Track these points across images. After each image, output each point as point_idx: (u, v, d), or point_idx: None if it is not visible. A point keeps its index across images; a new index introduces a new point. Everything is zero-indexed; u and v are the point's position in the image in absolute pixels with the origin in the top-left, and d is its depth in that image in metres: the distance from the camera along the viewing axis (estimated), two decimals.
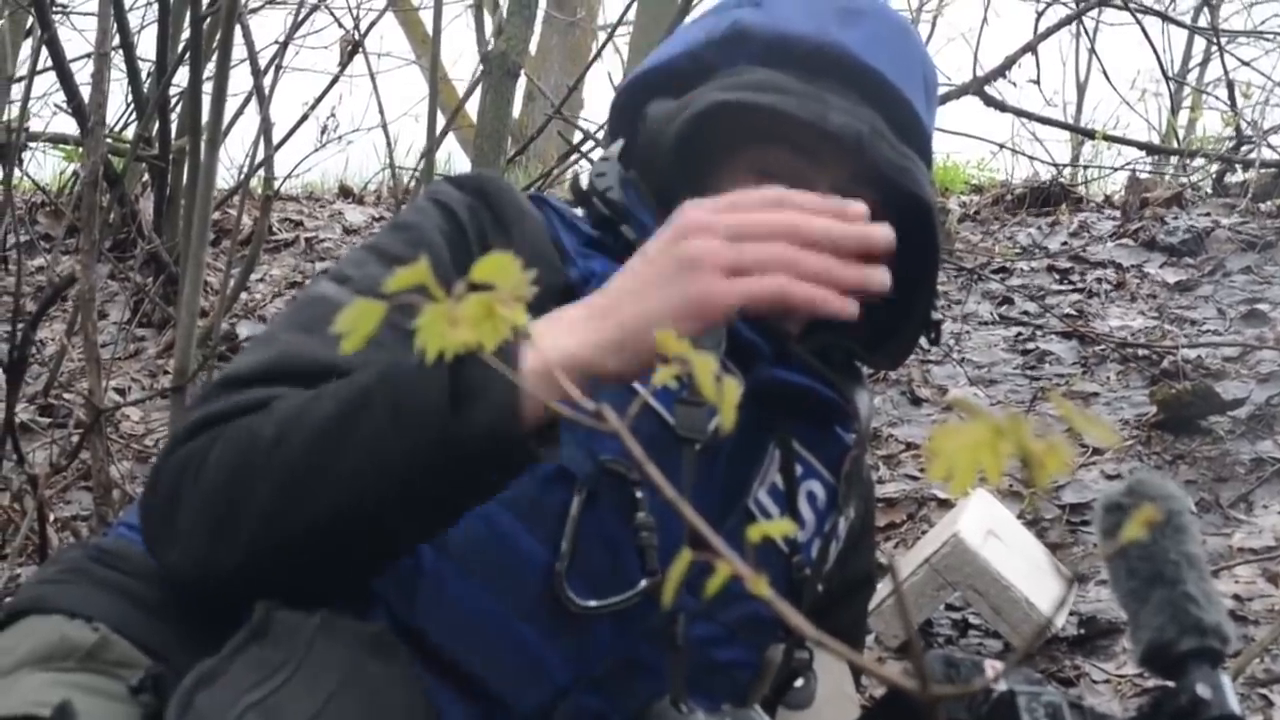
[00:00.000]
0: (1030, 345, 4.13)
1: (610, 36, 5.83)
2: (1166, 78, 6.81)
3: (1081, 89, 7.90)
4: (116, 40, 4.05)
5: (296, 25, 4.22)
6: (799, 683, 1.39)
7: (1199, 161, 5.82)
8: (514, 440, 1.09)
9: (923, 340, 1.50)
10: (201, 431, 1.20)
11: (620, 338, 1.12)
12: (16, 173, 3.93)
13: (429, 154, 3.50)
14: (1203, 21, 7.02)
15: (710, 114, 1.36)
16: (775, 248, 1.11)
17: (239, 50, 2.98)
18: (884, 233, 1.14)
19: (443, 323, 0.59)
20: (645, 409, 1.31)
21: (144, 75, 4.47)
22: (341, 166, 9.40)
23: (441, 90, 4.75)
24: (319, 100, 4.72)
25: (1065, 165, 6.03)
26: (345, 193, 6.01)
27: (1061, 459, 0.54)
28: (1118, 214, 5.15)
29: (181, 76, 4.13)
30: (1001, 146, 6.18)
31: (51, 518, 2.80)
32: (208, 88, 2.82)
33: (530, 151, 5.85)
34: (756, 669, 1.40)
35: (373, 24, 4.36)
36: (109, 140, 4.23)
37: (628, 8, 6.83)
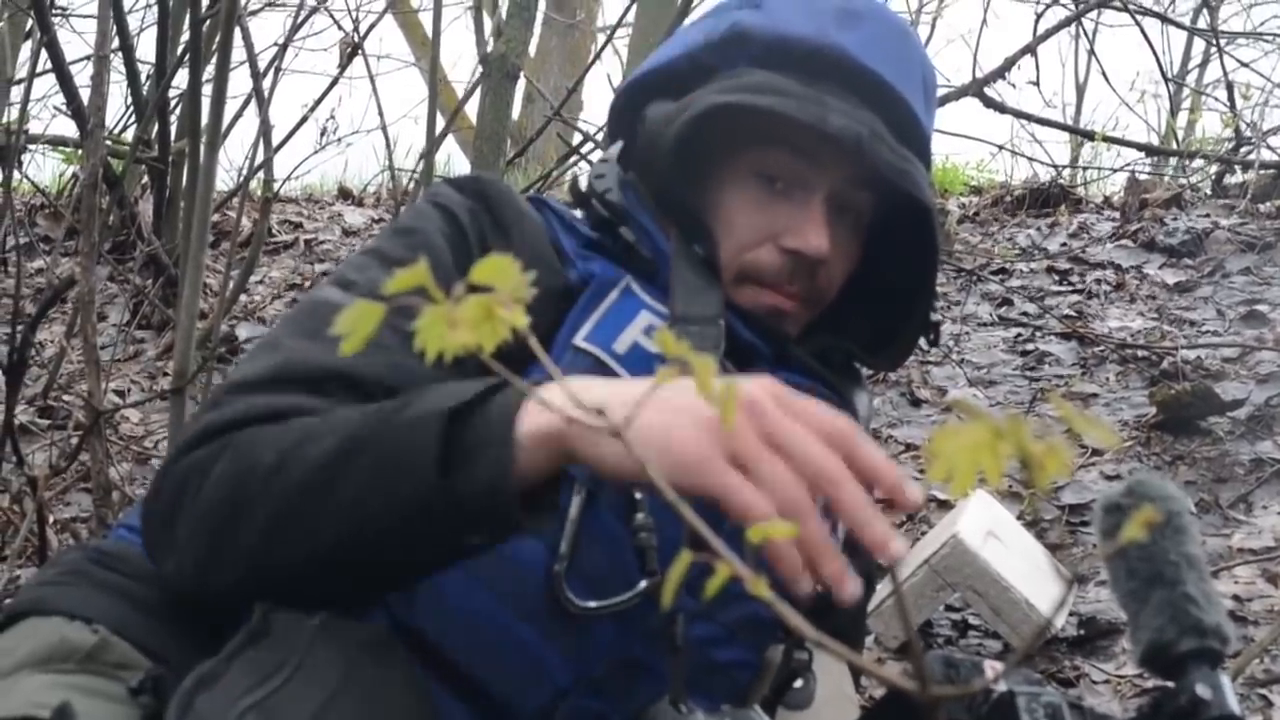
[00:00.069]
0: (1029, 346, 4.13)
1: (609, 39, 5.83)
2: (1166, 79, 6.81)
3: (1081, 90, 7.91)
4: (116, 43, 4.05)
5: (296, 27, 4.22)
6: (798, 683, 1.39)
7: (1198, 163, 5.82)
8: (500, 512, 1.06)
9: (922, 341, 1.51)
10: (207, 440, 1.20)
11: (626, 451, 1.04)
12: (16, 175, 3.93)
13: (428, 156, 3.50)
14: (1202, 23, 7.02)
15: (709, 116, 1.37)
16: (800, 492, 0.98)
17: (238, 52, 2.97)
18: (897, 548, 0.99)
19: (442, 324, 0.59)
20: None
21: (143, 77, 4.47)
22: (341, 168, 9.38)
23: (441, 92, 4.75)
24: (318, 102, 4.72)
25: (1064, 166, 6.04)
26: (344, 194, 6.01)
27: (1061, 460, 0.55)
28: (1117, 215, 5.15)
29: (181, 79, 4.13)
30: (1001, 148, 6.18)
31: (51, 519, 2.80)
32: (207, 90, 2.82)
33: (529, 153, 5.85)
34: (756, 669, 1.40)
35: (372, 26, 4.35)
36: (108, 142, 4.23)
37: (627, 10, 6.84)
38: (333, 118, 6.07)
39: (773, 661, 1.40)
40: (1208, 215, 4.96)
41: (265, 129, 3.20)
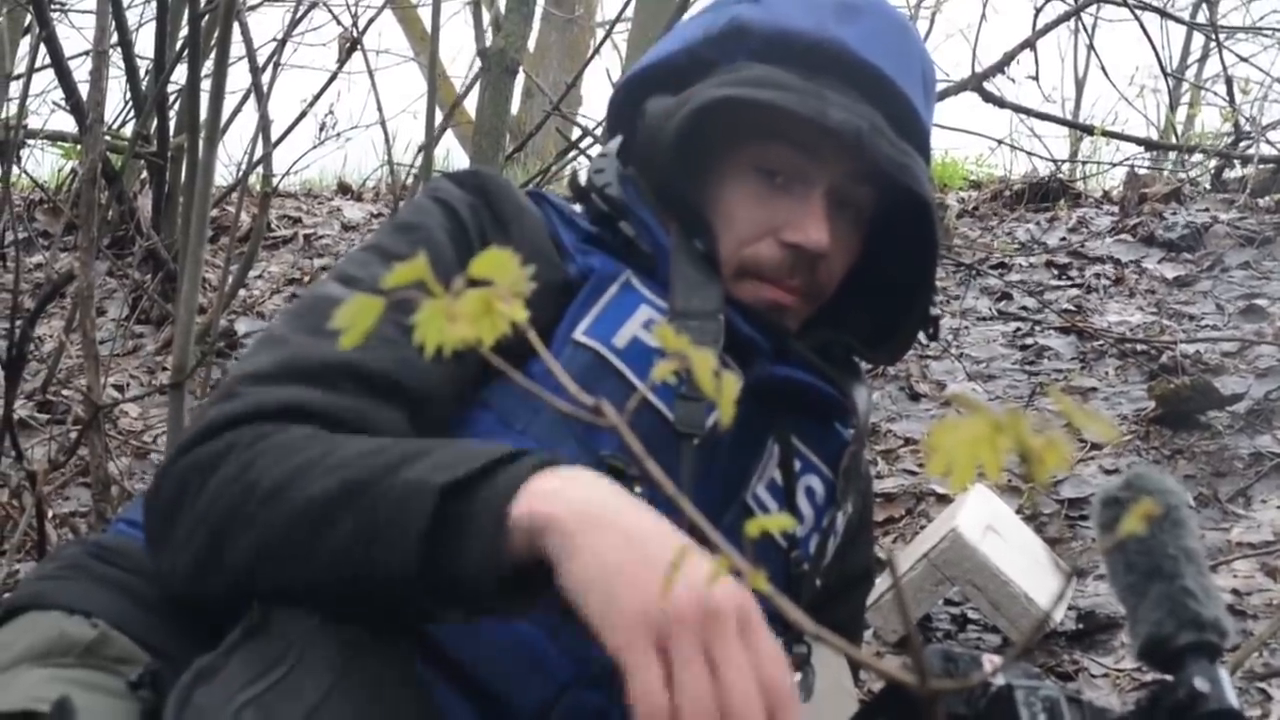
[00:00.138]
0: (1029, 340, 4.13)
1: (608, 33, 5.82)
2: (1165, 74, 6.80)
3: (1080, 85, 7.92)
4: (115, 38, 4.05)
5: (295, 22, 4.23)
6: (797, 677, 1.39)
7: (1197, 157, 5.82)
8: (479, 598, 1.06)
9: (921, 336, 1.51)
10: (212, 436, 1.20)
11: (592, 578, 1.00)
12: (15, 170, 3.93)
13: (427, 151, 3.50)
14: (1201, 17, 7.03)
15: (710, 110, 1.37)
16: (706, 714, 0.93)
17: (237, 47, 2.98)
18: None
19: (441, 318, 0.59)
20: (644, 404, 1.31)
21: (142, 73, 4.46)
22: (340, 163, 9.40)
23: (440, 87, 4.75)
24: (317, 97, 4.73)
25: (1064, 161, 6.04)
26: (344, 189, 6.01)
27: (1060, 454, 0.55)
28: (1116, 209, 5.15)
29: (180, 74, 4.12)
30: (1000, 142, 6.19)
31: (50, 514, 2.80)
32: (206, 85, 2.82)
33: (529, 148, 5.84)
34: None
35: (371, 21, 4.36)
36: (107, 137, 4.23)
37: (626, 5, 6.84)
38: (332, 113, 6.08)
39: None
40: (1207, 210, 4.95)
41: (264, 124, 3.20)
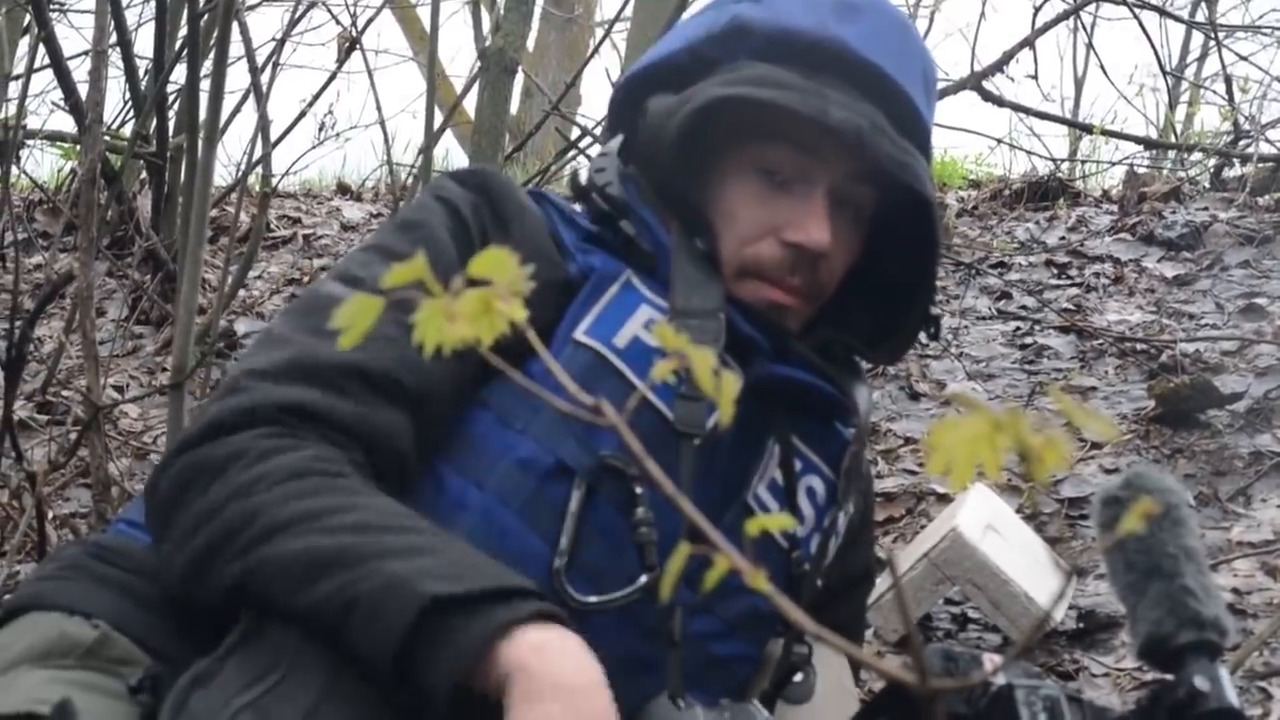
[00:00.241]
0: (1028, 340, 4.13)
1: (608, 33, 5.81)
2: (1164, 72, 6.80)
3: (1079, 84, 7.91)
4: (114, 38, 4.05)
5: (294, 22, 4.23)
6: (798, 677, 1.39)
7: (1197, 156, 5.82)
8: (433, 698, 1.07)
9: (921, 335, 1.51)
10: (218, 435, 1.21)
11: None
12: (14, 170, 3.93)
13: (427, 151, 3.50)
14: (1200, 16, 7.03)
15: (711, 109, 1.37)
16: None
17: (236, 47, 2.97)
18: None
19: (440, 318, 0.59)
20: (645, 404, 1.31)
21: (141, 73, 4.46)
22: (339, 163, 9.39)
23: (439, 87, 4.75)
24: (317, 97, 4.72)
25: (1063, 160, 6.03)
26: (343, 190, 6.00)
27: (1060, 453, 0.55)
28: (1115, 208, 5.15)
29: (179, 74, 4.12)
30: (999, 141, 6.18)
31: (50, 515, 2.80)
32: (205, 85, 2.82)
33: (528, 148, 5.84)
34: (756, 664, 1.40)
35: (370, 21, 4.35)
36: (106, 138, 4.23)
37: (625, 4, 6.83)
38: (331, 113, 6.07)
39: (772, 655, 1.40)
40: (1206, 208, 4.95)
41: (263, 124, 3.20)
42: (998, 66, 5.16)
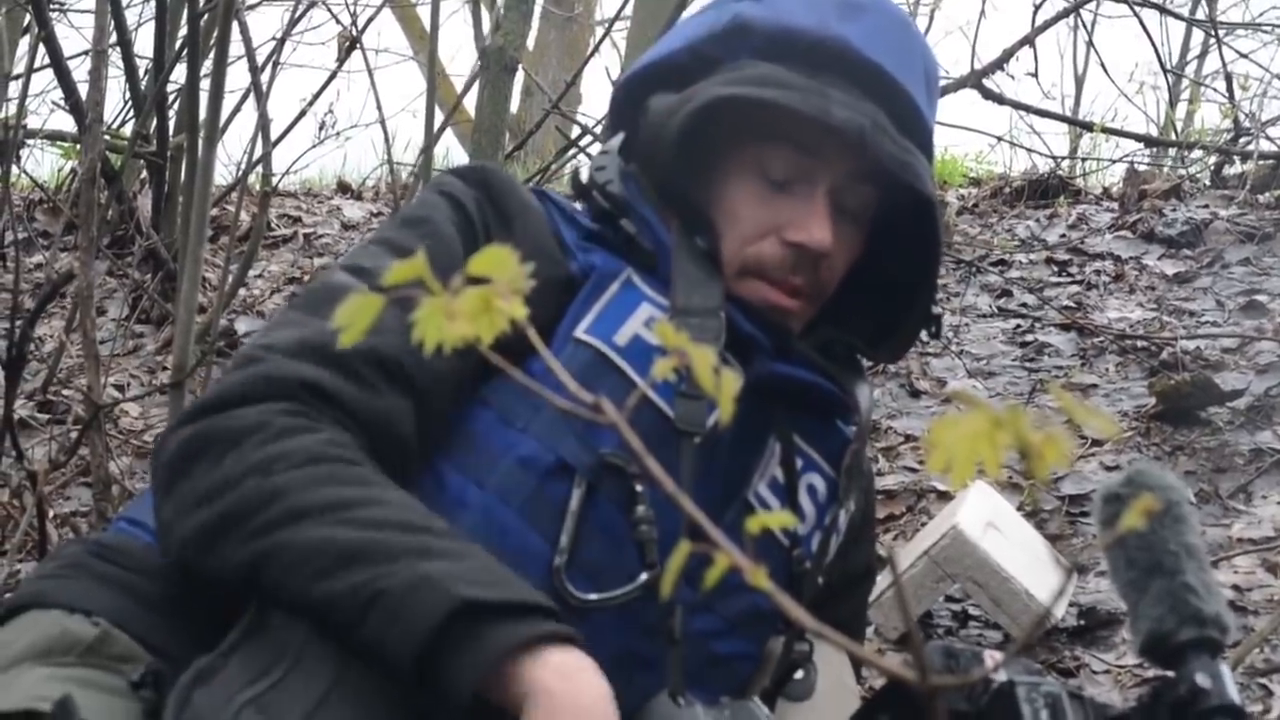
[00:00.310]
0: (1029, 337, 4.13)
1: (608, 32, 5.81)
2: (1164, 70, 6.80)
3: (1080, 81, 7.90)
4: (114, 37, 4.04)
5: (294, 21, 4.22)
6: (799, 675, 1.39)
7: (1197, 153, 5.82)
8: (449, 699, 1.07)
9: (923, 333, 1.51)
10: (239, 404, 1.21)
11: None
12: (14, 170, 3.93)
13: (427, 150, 3.50)
14: (1200, 14, 7.03)
15: (713, 108, 1.37)
16: None
17: (236, 47, 2.97)
18: None
19: (441, 315, 0.59)
20: (645, 402, 1.31)
21: (141, 72, 4.46)
22: (340, 162, 9.40)
23: (439, 86, 4.75)
24: (317, 96, 4.71)
25: (1063, 158, 6.03)
26: (343, 189, 6.00)
27: (1060, 450, 0.55)
28: (1116, 206, 5.15)
29: (179, 73, 4.12)
30: (999, 139, 6.17)
31: (51, 514, 2.80)
32: (205, 84, 2.82)
33: (528, 146, 5.84)
34: (756, 662, 1.40)
35: (370, 20, 4.35)
36: (107, 137, 4.22)
37: (625, 3, 6.82)
38: (331, 112, 6.07)
39: (773, 653, 1.40)
40: (1207, 206, 4.95)
41: (263, 123, 3.19)
42: (998, 64, 5.15)
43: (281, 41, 4.05)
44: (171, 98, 4.47)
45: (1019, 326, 4.22)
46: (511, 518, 1.26)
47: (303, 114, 4.70)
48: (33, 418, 3.57)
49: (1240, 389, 3.48)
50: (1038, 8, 5.29)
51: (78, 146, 4.57)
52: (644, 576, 1.28)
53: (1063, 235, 4.93)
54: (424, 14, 8.39)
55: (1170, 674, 1.07)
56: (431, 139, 3.48)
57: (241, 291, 4.29)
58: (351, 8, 4.38)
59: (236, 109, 4.54)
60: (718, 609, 1.35)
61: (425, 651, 1.06)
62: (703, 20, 1.48)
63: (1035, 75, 5.54)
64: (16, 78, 3.58)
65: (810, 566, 1.42)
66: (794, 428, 1.42)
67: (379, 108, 4.00)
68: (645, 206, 1.42)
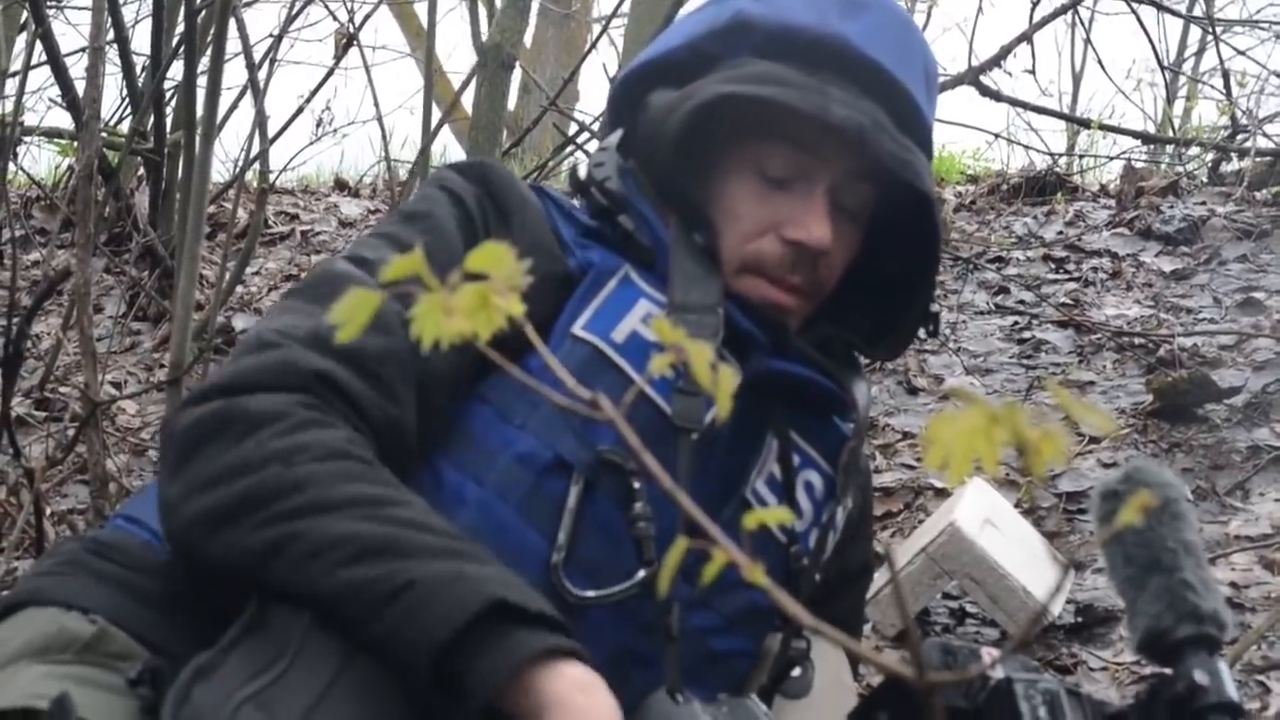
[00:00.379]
0: (1026, 334, 4.13)
1: (605, 29, 5.82)
2: (1162, 67, 6.81)
3: (1077, 78, 7.92)
4: (111, 34, 4.04)
5: (291, 18, 4.22)
6: (796, 672, 1.39)
7: (1194, 150, 5.83)
8: (466, 699, 1.07)
9: (920, 331, 1.51)
10: (261, 389, 1.20)
11: None
12: (11, 167, 3.93)
13: (424, 147, 3.50)
14: (1198, 11, 7.03)
15: (713, 106, 1.37)
16: None
17: (233, 44, 2.97)
18: None
19: (438, 311, 0.59)
20: (642, 398, 1.31)
21: (139, 69, 4.46)
22: (337, 160, 9.39)
23: (436, 83, 4.74)
24: (314, 93, 4.71)
25: (1061, 155, 6.04)
26: (341, 186, 6.00)
27: (1057, 446, 0.55)
28: (1113, 203, 5.15)
29: (176, 70, 4.12)
30: (997, 136, 6.19)
31: (48, 511, 2.80)
32: (202, 81, 2.81)
33: (525, 144, 5.84)
34: (754, 659, 1.40)
35: (367, 17, 4.35)
36: (104, 134, 4.22)
37: (622, 0, 6.82)
38: (328, 109, 6.07)
39: (770, 650, 1.40)
40: (1204, 203, 4.95)
41: (261, 120, 3.19)
42: (995, 61, 5.15)
43: (279, 38, 4.04)
44: (169, 95, 4.47)
45: (1016, 323, 4.22)
46: (509, 514, 1.26)
47: (300, 111, 4.70)
48: (30, 415, 3.57)
49: (1237, 386, 3.49)
50: (1035, 4, 5.30)
51: (75, 143, 4.57)
52: (641, 573, 1.28)
53: (1060, 232, 4.93)
54: (421, 11, 8.40)
55: (1168, 671, 1.07)
56: (429, 136, 3.48)
57: (239, 289, 4.29)
58: (349, 5, 4.39)
59: (234, 106, 4.54)
60: (715, 606, 1.35)
61: (450, 646, 1.06)
62: (702, 17, 1.48)
63: (1033, 72, 5.56)
64: (13, 75, 3.58)
65: (808, 563, 1.42)
66: (792, 424, 1.42)
67: (376, 105, 4.00)
68: (643, 203, 1.42)
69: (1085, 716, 1.09)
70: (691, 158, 1.41)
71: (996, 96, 5.26)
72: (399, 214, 1.41)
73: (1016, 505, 3.07)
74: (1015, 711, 1.07)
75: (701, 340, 0.62)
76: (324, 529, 1.12)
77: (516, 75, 4.33)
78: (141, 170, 4.67)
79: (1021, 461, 0.54)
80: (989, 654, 1.22)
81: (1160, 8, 6.06)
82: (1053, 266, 4.64)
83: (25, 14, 4.13)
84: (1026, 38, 5.22)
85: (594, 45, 5.38)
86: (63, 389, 3.75)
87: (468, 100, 4.40)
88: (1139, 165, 5.60)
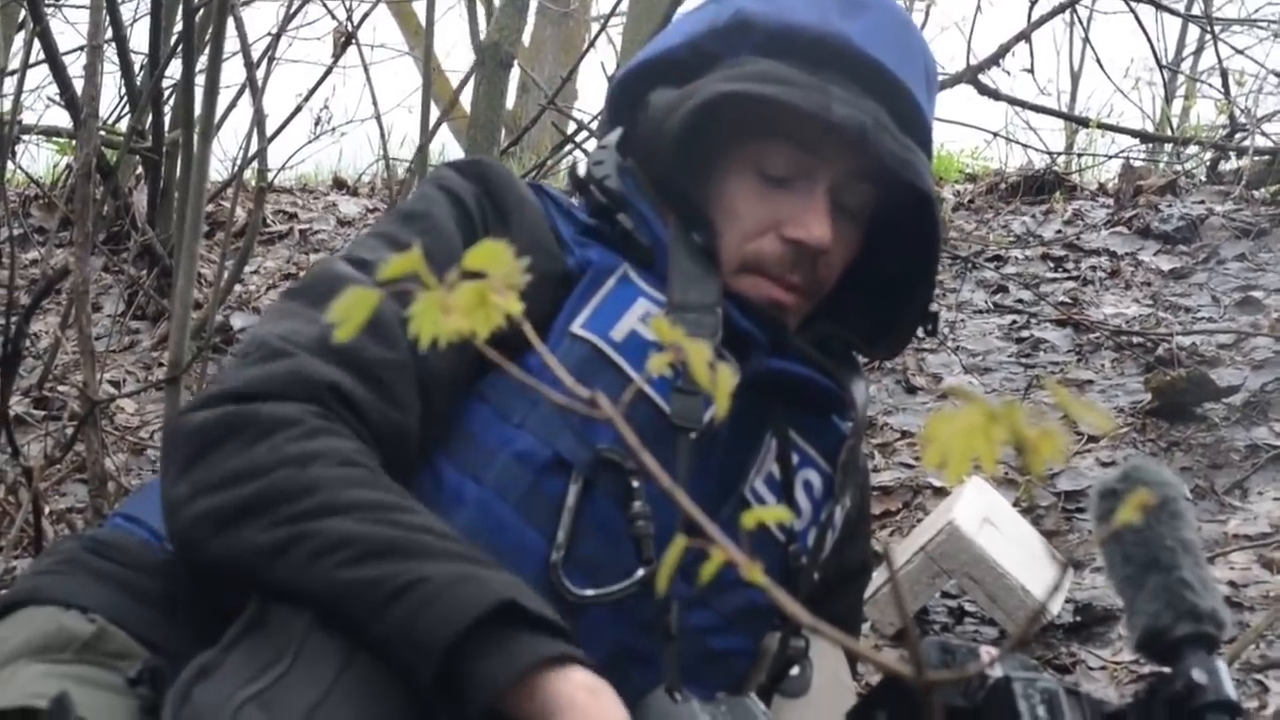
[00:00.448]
0: (1025, 333, 4.13)
1: (603, 27, 5.82)
2: (1160, 66, 6.81)
3: (1075, 77, 7.91)
4: (109, 33, 4.04)
5: (289, 17, 4.21)
6: (795, 671, 1.39)
7: (1193, 149, 5.83)
8: (467, 701, 1.07)
9: (919, 330, 1.51)
10: (274, 397, 1.20)
11: None
12: (10, 165, 3.92)
13: (423, 145, 3.50)
14: (1196, 9, 7.03)
15: (714, 104, 1.36)
16: None
17: (232, 42, 2.97)
18: None
19: (436, 310, 0.59)
20: (641, 397, 1.31)
21: (137, 68, 4.46)
22: (335, 158, 9.39)
23: (435, 81, 4.74)
24: (312, 92, 4.71)
25: (1059, 153, 6.04)
26: (339, 184, 5.99)
27: (1056, 445, 0.55)
28: (1112, 202, 5.15)
29: (174, 69, 4.12)
30: (995, 135, 6.19)
31: (46, 510, 2.79)
32: (201, 80, 2.81)
33: (524, 142, 5.84)
34: (753, 657, 1.40)
35: (366, 15, 4.35)
36: (102, 133, 4.22)
37: None
38: (327, 107, 6.06)
39: (769, 649, 1.40)
40: (1202, 202, 4.95)
41: (259, 119, 3.19)
42: (994, 60, 5.16)
43: (277, 37, 4.04)
44: (167, 93, 4.47)
45: (1015, 322, 4.22)
46: (508, 513, 1.26)
47: (298, 110, 4.70)
48: (28, 414, 3.57)
49: (1236, 385, 3.49)
50: (1034, 3, 5.30)
51: (73, 142, 4.57)
52: (640, 572, 1.28)
53: (1058, 231, 4.93)
54: (420, 9, 8.39)
55: (1166, 669, 1.07)
56: (427, 135, 3.48)
57: (237, 287, 4.29)
58: (347, 3, 4.38)
59: (232, 104, 4.54)
60: (714, 605, 1.35)
61: (457, 645, 1.05)
62: (703, 16, 1.48)
63: (1031, 71, 5.56)
64: (12, 73, 3.58)
65: (806, 562, 1.42)
66: (790, 423, 1.42)
67: (374, 103, 4.00)
68: (642, 202, 1.42)
69: (1084, 715, 1.10)
70: (691, 157, 1.41)
71: (995, 95, 5.26)
72: (397, 214, 1.41)
73: (1015, 504, 3.07)
74: (1013, 710, 1.07)
75: (700, 339, 0.62)
76: (331, 529, 1.12)
77: (515, 74, 4.33)
78: (140, 169, 4.67)
79: (1020, 460, 0.54)
80: (987, 653, 1.22)
81: (1159, 6, 6.06)
82: (1051, 265, 4.64)
83: (23, 12, 4.13)
84: (1025, 36, 5.22)
85: (592, 44, 5.39)
86: (61, 388, 3.74)
87: (466, 99, 4.41)
88: (1137, 164, 5.60)
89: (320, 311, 1.27)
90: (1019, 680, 1.09)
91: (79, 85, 3.38)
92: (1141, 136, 6.08)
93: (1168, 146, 6.23)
